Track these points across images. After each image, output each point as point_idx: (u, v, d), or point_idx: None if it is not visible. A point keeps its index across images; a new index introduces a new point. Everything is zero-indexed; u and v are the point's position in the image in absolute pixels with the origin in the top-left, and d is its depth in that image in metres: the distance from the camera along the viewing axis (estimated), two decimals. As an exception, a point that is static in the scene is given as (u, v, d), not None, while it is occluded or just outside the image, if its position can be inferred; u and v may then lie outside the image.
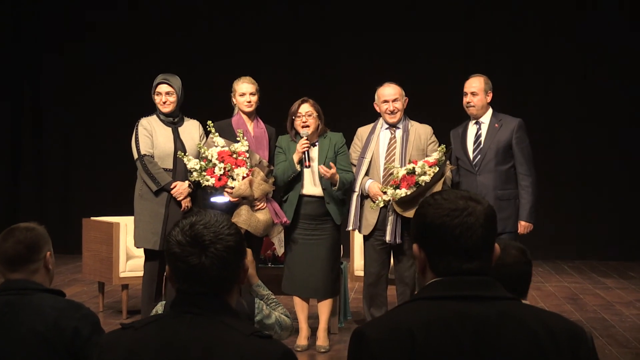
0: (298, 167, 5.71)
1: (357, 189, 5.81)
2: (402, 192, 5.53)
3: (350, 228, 5.91)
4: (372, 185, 5.73)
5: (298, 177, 5.78)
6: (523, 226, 5.70)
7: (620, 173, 10.28)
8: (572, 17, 10.34)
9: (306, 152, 5.65)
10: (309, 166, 5.69)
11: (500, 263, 2.74)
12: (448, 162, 5.76)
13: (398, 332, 1.79)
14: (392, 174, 5.63)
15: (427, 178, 5.53)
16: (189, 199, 5.73)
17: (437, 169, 5.56)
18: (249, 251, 3.21)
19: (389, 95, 5.81)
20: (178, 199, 5.68)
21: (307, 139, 5.68)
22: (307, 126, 5.73)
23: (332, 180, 5.67)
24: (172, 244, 2.01)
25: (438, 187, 5.53)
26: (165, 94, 5.74)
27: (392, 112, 5.78)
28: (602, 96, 10.30)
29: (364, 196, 5.80)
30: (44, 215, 10.86)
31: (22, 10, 10.99)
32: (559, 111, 10.38)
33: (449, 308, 1.82)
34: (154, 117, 5.82)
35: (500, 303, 1.86)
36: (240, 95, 5.79)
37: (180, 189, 5.68)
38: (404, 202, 5.56)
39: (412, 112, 6.02)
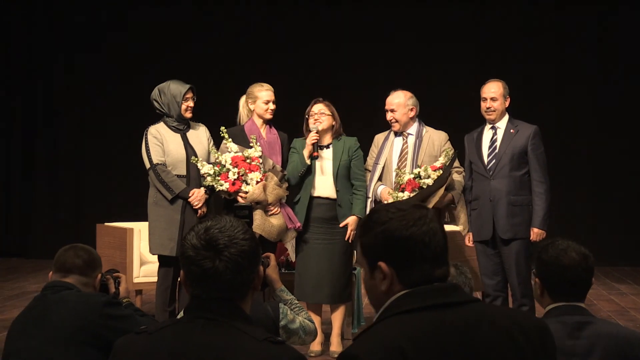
0: (308, 161, 5.74)
1: (370, 194, 5.81)
2: (405, 195, 5.53)
3: None
4: (383, 191, 5.74)
5: (308, 173, 5.80)
6: (536, 233, 5.67)
7: (634, 178, 10.24)
8: (585, 22, 10.32)
9: (315, 144, 5.72)
10: (317, 156, 5.76)
11: (557, 263, 2.76)
12: (458, 167, 5.76)
13: (390, 351, 1.76)
14: (400, 178, 5.64)
15: (429, 181, 5.51)
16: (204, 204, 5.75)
17: (442, 172, 5.55)
18: (272, 256, 3.23)
19: (387, 104, 5.86)
20: (195, 207, 5.70)
21: (317, 132, 5.72)
22: (320, 122, 5.77)
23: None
24: (187, 247, 2.02)
25: (441, 192, 5.52)
26: (192, 100, 5.78)
27: (390, 122, 5.82)
28: (615, 102, 10.27)
29: (377, 202, 5.79)
30: (58, 220, 10.93)
31: (35, 16, 11.05)
32: (572, 117, 10.35)
33: (429, 319, 1.82)
34: (162, 124, 5.82)
35: (471, 306, 1.88)
36: (265, 102, 5.82)
37: (199, 196, 5.69)
38: None
39: (427, 118, 6.01)
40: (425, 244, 1.88)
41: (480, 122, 5.92)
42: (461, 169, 5.84)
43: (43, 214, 11.04)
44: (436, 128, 5.92)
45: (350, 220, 5.74)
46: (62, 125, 11.11)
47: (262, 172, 5.61)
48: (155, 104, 5.80)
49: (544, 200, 5.68)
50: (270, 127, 5.92)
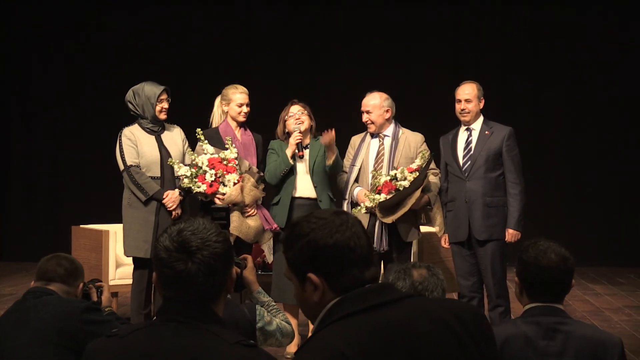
0: (291, 161, 5.74)
1: (347, 196, 5.82)
2: (382, 197, 5.54)
3: None
4: (359, 192, 5.74)
5: (290, 173, 5.80)
6: (511, 234, 5.70)
7: (609, 180, 10.31)
8: (561, 24, 10.38)
9: (299, 144, 5.73)
10: (302, 156, 5.77)
11: (535, 263, 2.78)
12: (434, 169, 5.78)
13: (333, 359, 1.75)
14: (376, 180, 5.65)
15: (406, 183, 5.53)
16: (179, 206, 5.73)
17: (418, 174, 5.56)
18: (249, 258, 3.22)
19: (363, 106, 5.87)
20: (169, 209, 5.67)
21: (300, 132, 5.73)
22: (302, 122, 5.79)
23: (331, 149, 5.75)
24: (160, 249, 2.01)
25: (417, 193, 5.54)
26: (166, 102, 5.76)
27: (366, 123, 5.84)
28: (591, 103, 10.34)
29: (354, 204, 5.80)
30: (34, 222, 10.84)
31: (10, 18, 10.96)
32: (548, 119, 10.41)
33: (367, 321, 1.81)
34: (136, 126, 5.79)
35: (407, 302, 1.88)
36: (238, 105, 5.81)
37: (173, 197, 5.67)
38: (384, 208, 5.57)
39: (403, 120, 6.02)
40: (350, 249, 1.88)
41: (456, 123, 5.94)
42: (437, 171, 5.86)
43: (18, 216, 10.95)
44: (412, 130, 5.93)
45: (332, 134, 5.75)
46: (38, 127, 11.02)
47: (239, 173, 5.61)
48: (130, 105, 5.78)
49: (518, 201, 5.71)
50: (245, 128, 5.92)
